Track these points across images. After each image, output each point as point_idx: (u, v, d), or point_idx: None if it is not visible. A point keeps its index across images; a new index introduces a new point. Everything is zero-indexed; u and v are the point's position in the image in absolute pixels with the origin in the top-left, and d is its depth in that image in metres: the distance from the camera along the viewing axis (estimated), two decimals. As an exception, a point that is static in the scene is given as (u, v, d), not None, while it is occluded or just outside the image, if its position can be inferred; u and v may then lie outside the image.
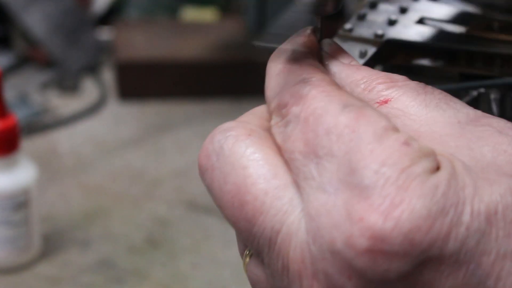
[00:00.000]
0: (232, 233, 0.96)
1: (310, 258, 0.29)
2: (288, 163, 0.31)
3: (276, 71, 0.34)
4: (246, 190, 0.31)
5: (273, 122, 0.33)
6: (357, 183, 0.28)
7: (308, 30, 0.37)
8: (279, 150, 0.32)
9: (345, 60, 0.36)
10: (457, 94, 0.42)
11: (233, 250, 0.83)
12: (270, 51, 0.36)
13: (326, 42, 0.37)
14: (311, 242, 0.29)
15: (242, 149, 0.32)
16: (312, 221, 0.29)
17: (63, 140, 1.05)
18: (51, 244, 0.83)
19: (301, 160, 0.30)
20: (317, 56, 0.36)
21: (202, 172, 0.33)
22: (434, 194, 0.28)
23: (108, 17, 1.30)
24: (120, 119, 1.11)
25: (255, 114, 0.35)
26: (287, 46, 0.35)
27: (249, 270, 0.33)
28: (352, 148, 0.29)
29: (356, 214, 0.28)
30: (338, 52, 0.36)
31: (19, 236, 0.79)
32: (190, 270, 0.81)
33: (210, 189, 0.33)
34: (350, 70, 0.35)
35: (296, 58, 0.34)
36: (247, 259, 0.34)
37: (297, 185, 0.31)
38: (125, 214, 0.89)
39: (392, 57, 0.43)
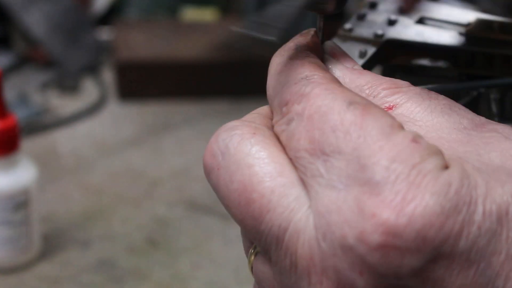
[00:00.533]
0: (232, 233, 0.96)
1: (320, 255, 0.29)
2: (293, 161, 0.31)
3: (277, 69, 0.34)
4: (252, 189, 0.31)
5: (274, 121, 0.33)
6: (367, 179, 0.28)
7: (311, 32, 0.37)
8: (284, 148, 0.32)
9: (348, 64, 0.36)
10: (457, 94, 0.42)
11: (233, 250, 0.83)
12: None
13: (328, 44, 0.37)
14: (321, 238, 0.29)
15: (248, 148, 0.32)
16: (322, 217, 0.29)
17: (63, 140, 1.05)
18: (51, 244, 0.83)
19: (307, 158, 0.30)
20: (319, 57, 0.36)
21: (208, 172, 0.33)
22: (448, 191, 0.28)
23: (108, 17, 1.30)
24: (120, 119, 1.11)
25: (260, 113, 0.35)
26: (290, 45, 0.35)
27: (255, 268, 0.33)
28: (360, 145, 0.29)
29: (368, 210, 0.28)
30: (341, 56, 0.36)
31: (19, 236, 0.79)
32: (190, 270, 0.81)
33: (216, 188, 0.33)
34: (354, 75, 0.35)
35: (298, 56, 0.34)
36: (252, 257, 0.34)
37: (304, 182, 0.31)
38: (125, 214, 0.89)
39: (392, 57, 0.43)
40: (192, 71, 1.16)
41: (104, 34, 1.28)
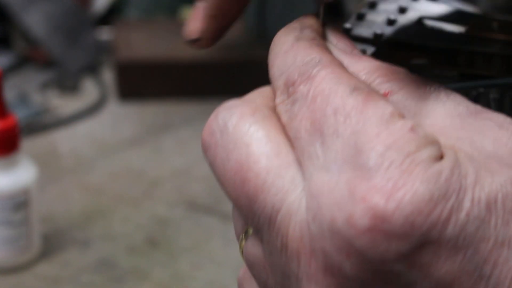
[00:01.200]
0: (232, 233, 0.96)
1: (309, 237, 0.29)
2: (292, 141, 0.31)
3: (283, 49, 0.34)
4: (248, 168, 0.31)
5: (278, 100, 0.33)
6: (361, 164, 0.29)
7: (312, 15, 0.37)
8: (284, 129, 0.32)
9: (347, 48, 0.36)
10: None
11: (233, 250, 0.83)
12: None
13: (329, 28, 0.37)
14: (311, 220, 0.29)
15: (246, 127, 0.32)
16: (313, 199, 0.29)
17: (63, 140, 1.05)
18: (51, 244, 0.83)
19: (306, 138, 0.31)
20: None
21: (205, 149, 0.33)
22: (437, 179, 0.28)
23: (108, 17, 1.30)
24: (120, 119, 1.11)
25: (261, 93, 0.35)
26: (295, 25, 0.35)
27: (246, 251, 0.33)
28: (358, 130, 0.29)
29: (358, 194, 0.28)
30: (341, 40, 0.36)
31: (19, 236, 0.79)
32: (190, 270, 0.81)
33: (212, 165, 0.33)
34: (352, 60, 0.35)
35: (305, 38, 0.34)
36: (243, 242, 0.34)
37: (300, 164, 0.31)
38: (125, 214, 0.90)
39: (391, 57, 0.43)
40: (192, 71, 1.16)
41: (104, 34, 1.28)
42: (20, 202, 0.78)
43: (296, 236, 0.30)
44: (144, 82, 1.15)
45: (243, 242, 0.34)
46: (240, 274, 0.35)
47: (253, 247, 0.33)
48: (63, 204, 0.91)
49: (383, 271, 0.28)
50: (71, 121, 1.09)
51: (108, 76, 1.21)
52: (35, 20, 1.20)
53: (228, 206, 0.91)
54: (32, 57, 1.22)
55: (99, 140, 1.05)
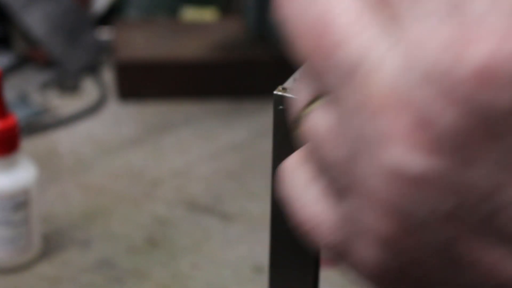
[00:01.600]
0: (232, 233, 0.96)
1: (400, 89, 0.27)
2: None
3: None
4: (328, 21, 0.29)
5: None
6: (467, 12, 0.26)
7: None
8: None
9: None
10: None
11: (233, 250, 0.83)
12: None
13: None
14: (403, 73, 0.27)
15: None
16: (410, 50, 0.27)
17: (63, 140, 1.05)
18: (51, 244, 0.83)
19: None
20: None
21: (281, 3, 0.31)
22: None
23: (108, 17, 1.30)
24: (120, 119, 1.11)
25: None
26: None
27: (312, 123, 0.31)
28: None
29: (463, 41, 0.26)
30: None
31: (19, 236, 0.79)
32: (190, 270, 0.81)
33: (285, 18, 0.31)
34: None
35: None
36: (305, 117, 0.31)
37: (396, 17, 0.28)
38: (125, 214, 0.90)
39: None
40: (192, 71, 1.16)
41: (104, 34, 1.28)
42: (20, 202, 0.78)
43: (380, 91, 0.27)
44: (144, 82, 1.15)
45: (305, 117, 0.31)
46: (287, 162, 0.33)
47: (323, 116, 0.31)
48: (63, 204, 0.91)
49: (488, 124, 0.26)
50: (71, 121, 1.09)
51: (108, 76, 1.21)
52: (35, 20, 1.20)
53: (228, 206, 0.91)
54: (32, 57, 1.22)
55: (99, 140, 1.05)
